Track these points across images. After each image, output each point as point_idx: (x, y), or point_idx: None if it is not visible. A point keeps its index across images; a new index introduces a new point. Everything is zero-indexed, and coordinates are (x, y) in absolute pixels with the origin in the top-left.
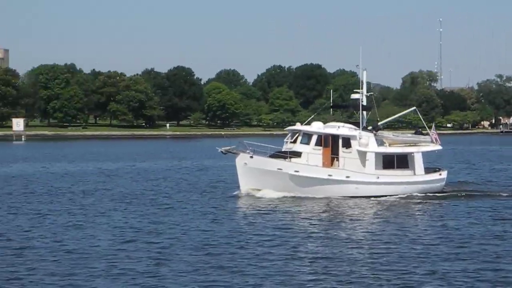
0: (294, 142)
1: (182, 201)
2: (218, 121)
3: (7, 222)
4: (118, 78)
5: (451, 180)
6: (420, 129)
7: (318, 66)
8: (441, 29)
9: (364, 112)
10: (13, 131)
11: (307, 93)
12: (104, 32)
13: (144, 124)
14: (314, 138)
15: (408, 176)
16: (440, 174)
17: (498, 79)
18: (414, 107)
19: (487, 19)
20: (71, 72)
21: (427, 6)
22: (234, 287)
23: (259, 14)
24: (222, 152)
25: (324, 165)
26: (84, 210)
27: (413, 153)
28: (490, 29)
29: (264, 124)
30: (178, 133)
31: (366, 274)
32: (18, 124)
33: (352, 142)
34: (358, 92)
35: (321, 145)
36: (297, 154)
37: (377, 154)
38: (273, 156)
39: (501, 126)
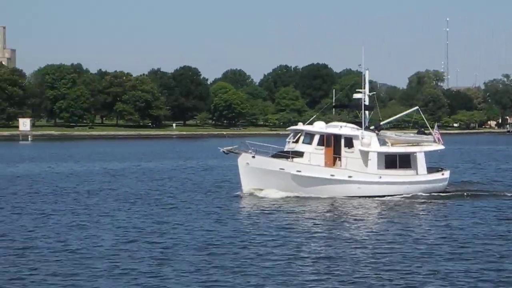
0: (296, 142)
1: (186, 201)
2: (225, 121)
3: (11, 222)
4: (124, 78)
5: (456, 180)
6: (422, 129)
7: (325, 66)
8: (447, 29)
9: (367, 112)
10: (20, 131)
11: (314, 93)
12: (111, 32)
13: (150, 124)
14: (316, 138)
15: (411, 176)
16: (443, 174)
17: (505, 79)
18: (417, 107)
19: (494, 19)
20: (78, 72)
21: (434, 6)
22: (236, 287)
23: (265, 14)
24: (224, 152)
25: (326, 165)
26: (88, 210)
27: (415, 152)
28: (498, 28)
29: (270, 124)
30: (184, 133)
31: (368, 274)
32: (24, 124)
33: (355, 142)
34: (361, 92)
35: (323, 145)
36: (299, 154)
37: (379, 153)
38: (275, 156)
39: (507, 125)
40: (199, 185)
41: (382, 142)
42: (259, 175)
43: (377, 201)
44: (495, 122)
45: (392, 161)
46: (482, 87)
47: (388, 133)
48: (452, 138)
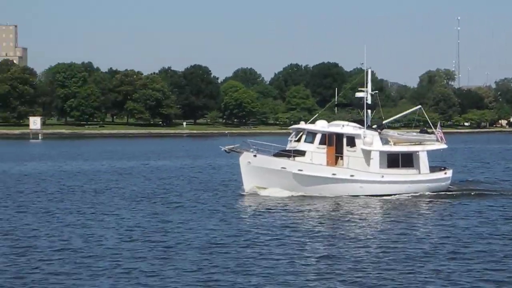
0: (298, 140)
1: (191, 199)
2: (235, 120)
3: (16, 220)
4: (135, 76)
5: (463, 179)
6: (425, 128)
7: (335, 65)
8: (459, 28)
9: (369, 111)
10: (30, 129)
11: (324, 92)
12: (122, 31)
13: (161, 122)
14: (318, 137)
15: (413, 175)
16: (445, 173)
17: None
18: (419, 106)
19: (506, 17)
20: (88, 71)
21: (445, 4)
22: (236, 286)
23: (276, 13)
24: (225, 151)
25: (328, 164)
26: (93, 208)
27: (418, 151)
28: (509, 27)
29: (281, 123)
30: (194, 131)
31: (371, 273)
32: (35, 122)
33: (357, 140)
34: (363, 91)
35: (325, 144)
36: (301, 153)
37: (381, 152)
38: (277, 155)
39: None
40: (206, 183)
41: (385, 141)
42: (261, 174)
43: (379, 200)
44: (506, 121)
45: (394, 160)
46: (493, 86)
47: (391, 132)
48: (462, 137)
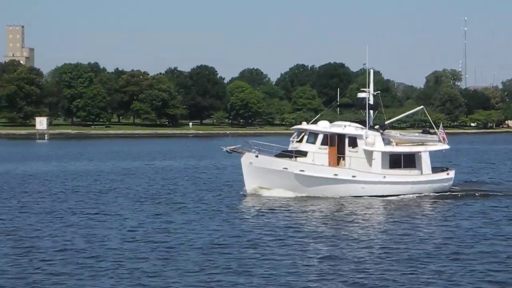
0: (300, 141)
1: (195, 200)
2: (241, 120)
3: (19, 220)
4: (141, 77)
5: (467, 180)
6: (427, 128)
7: (342, 65)
8: (465, 28)
9: (371, 111)
10: (36, 129)
11: (330, 92)
12: (128, 31)
13: (167, 123)
14: (320, 137)
15: (415, 176)
16: (448, 174)
17: None
18: (422, 106)
19: None
20: (95, 71)
21: (452, 5)
22: (238, 287)
23: (282, 13)
24: (227, 151)
25: (330, 164)
26: (97, 209)
27: (420, 152)
28: None
29: (287, 123)
30: (200, 132)
31: (373, 274)
32: (41, 123)
33: (359, 141)
34: (365, 91)
35: (327, 145)
36: (303, 154)
37: (383, 153)
38: (278, 155)
39: None
40: (210, 184)
41: (387, 142)
42: (263, 175)
43: (381, 201)
44: None
45: (396, 161)
46: (500, 86)
47: (393, 133)
48: (469, 137)
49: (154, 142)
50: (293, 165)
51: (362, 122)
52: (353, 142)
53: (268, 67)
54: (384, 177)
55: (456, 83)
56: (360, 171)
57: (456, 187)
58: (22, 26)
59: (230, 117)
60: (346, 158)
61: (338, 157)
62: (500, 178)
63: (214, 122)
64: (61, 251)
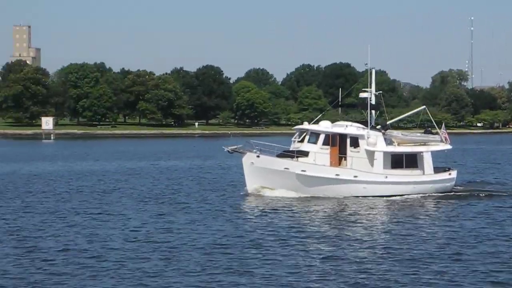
0: (302, 141)
1: (199, 200)
2: (247, 120)
3: (23, 220)
4: (147, 77)
5: (471, 180)
6: (429, 128)
7: (347, 65)
8: (472, 28)
9: (373, 111)
10: (43, 129)
11: (336, 92)
12: (134, 31)
13: (173, 123)
14: (321, 138)
15: (417, 176)
16: (450, 174)
17: None
18: (424, 106)
19: None
20: (101, 71)
21: (458, 5)
22: (240, 287)
23: (288, 13)
24: (228, 151)
25: (331, 164)
26: (101, 209)
27: (422, 152)
28: None
29: (293, 123)
30: (206, 132)
31: (375, 274)
32: (47, 122)
33: (360, 141)
34: (367, 91)
35: (328, 145)
36: (305, 154)
37: (385, 153)
38: (280, 155)
39: None
40: (214, 184)
41: (389, 142)
42: (264, 175)
43: (383, 201)
44: None
45: (398, 161)
46: (507, 86)
47: (395, 133)
48: (475, 137)
49: (160, 142)
50: (295, 165)
51: (365, 122)
52: (355, 142)
53: (274, 67)
54: (386, 177)
55: (463, 83)
56: (362, 171)
57: (459, 187)
58: (29, 26)
59: (236, 117)
60: (348, 158)
61: (340, 157)
62: (506, 179)
63: (220, 122)
64: (63, 251)
